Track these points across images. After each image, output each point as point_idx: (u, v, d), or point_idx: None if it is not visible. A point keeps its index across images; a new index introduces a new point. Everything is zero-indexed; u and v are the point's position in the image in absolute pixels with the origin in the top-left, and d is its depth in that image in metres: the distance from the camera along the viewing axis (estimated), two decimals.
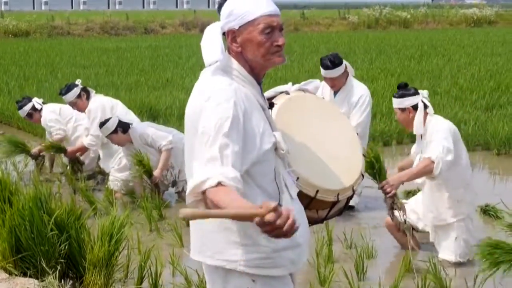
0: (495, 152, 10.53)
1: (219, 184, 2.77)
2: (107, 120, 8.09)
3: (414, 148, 6.55)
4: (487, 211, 7.45)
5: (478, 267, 5.70)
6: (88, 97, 8.72)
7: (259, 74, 3.15)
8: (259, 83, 3.16)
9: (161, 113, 12.67)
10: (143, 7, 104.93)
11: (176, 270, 5.86)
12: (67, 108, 9.20)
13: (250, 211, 2.51)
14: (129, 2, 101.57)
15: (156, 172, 7.98)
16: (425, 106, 6.13)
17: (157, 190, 8.03)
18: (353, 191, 3.55)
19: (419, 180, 6.17)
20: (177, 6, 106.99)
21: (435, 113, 6.25)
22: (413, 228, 6.36)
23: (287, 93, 3.63)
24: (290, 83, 3.74)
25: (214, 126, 2.91)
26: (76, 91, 8.67)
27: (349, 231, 6.66)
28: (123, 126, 8.05)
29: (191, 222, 3.24)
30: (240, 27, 3.06)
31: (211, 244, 3.11)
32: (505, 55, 23.63)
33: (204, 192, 2.80)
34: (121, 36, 36.27)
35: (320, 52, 25.34)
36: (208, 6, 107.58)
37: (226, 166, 2.84)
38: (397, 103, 6.25)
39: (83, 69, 20.20)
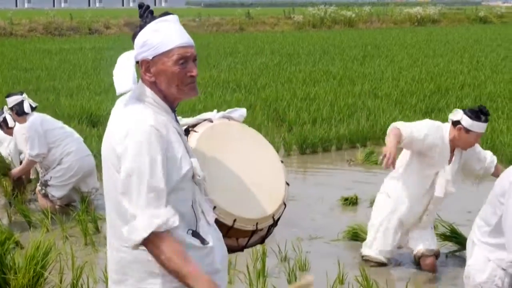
0: None
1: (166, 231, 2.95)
2: (15, 94, 8.25)
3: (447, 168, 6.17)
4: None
5: (408, 277, 5.79)
6: (8, 127, 8.53)
7: (172, 103, 3.16)
8: (173, 110, 3.17)
9: (102, 119, 12.47)
10: (89, 5, 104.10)
11: None
12: None
13: None
14: (75, 0, 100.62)
15: (14, 171, 8.27)
16: None
17: (19, 187, 8.38)
18: (274, 220, 3.53)
19: None
20: (123, 4, 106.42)
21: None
22: None
23: (211, 120, 3.60)
24: (215, 111, 3.73)
25: (141, 169, 2.95)
26: None
27: (285, 243, 6.69)
28: (18, 109, 8.05)
29: (108, 254, 3.22)
30: (154, 57, 3.07)
31: (132, 273, 3.12)
32: (446, 56, 23.99)
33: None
34: (65, 37, 35.79)
35: (264, 53, 25.40)
36: (155, 4, 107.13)
37: (163, 207, 2.96)
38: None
39: (24, 72, 19.87)
